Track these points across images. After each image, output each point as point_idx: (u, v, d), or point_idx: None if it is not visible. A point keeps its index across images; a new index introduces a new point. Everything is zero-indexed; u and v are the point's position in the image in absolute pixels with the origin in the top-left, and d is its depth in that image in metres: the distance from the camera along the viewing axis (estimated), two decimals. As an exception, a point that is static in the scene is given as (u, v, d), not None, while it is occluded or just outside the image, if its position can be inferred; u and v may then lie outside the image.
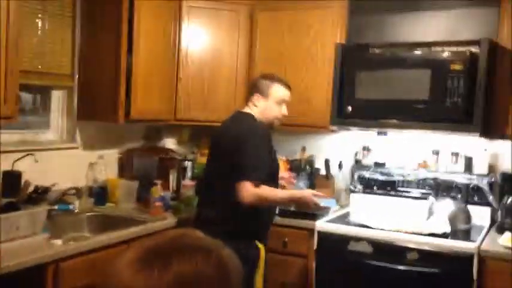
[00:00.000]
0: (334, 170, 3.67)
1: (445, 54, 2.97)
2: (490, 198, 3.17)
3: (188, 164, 3.71)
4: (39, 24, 2.97)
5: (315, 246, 3.07)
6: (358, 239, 2.95)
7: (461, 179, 3.25)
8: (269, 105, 2.69)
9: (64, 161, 3.12)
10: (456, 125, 2.94)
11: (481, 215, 3.17)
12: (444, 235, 2.86)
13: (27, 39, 2.86)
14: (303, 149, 3.77)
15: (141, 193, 3.31)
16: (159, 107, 3.39)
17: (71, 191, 3.00)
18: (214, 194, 2.63)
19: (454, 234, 2.91)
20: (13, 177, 2.70)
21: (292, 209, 3.16)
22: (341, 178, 3.65)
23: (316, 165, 3.72)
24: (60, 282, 2.29)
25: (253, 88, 2.76)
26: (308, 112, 3.44)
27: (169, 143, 3.96)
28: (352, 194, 3.57)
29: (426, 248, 2.80)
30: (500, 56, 2.94)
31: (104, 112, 3.13)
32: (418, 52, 3.10)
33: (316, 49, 3.44)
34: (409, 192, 3.39)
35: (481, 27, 3.09)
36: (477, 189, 3.20)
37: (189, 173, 3.70)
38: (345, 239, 2.98)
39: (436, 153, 3.38)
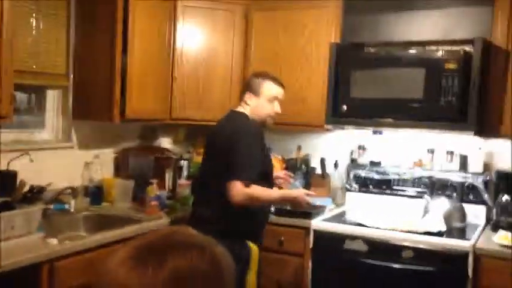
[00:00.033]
0: (329, 169, 3.68)
1: (439, 53, 2.97)
2: (485, 196, 3.18)
3: (184, 163, 3.71)
4: (34, 24, 2.96)
5: (310, 245, 3.07)
6: (353, 238, 2.96)
7: (457, 177, 3.26)
8: (261, 103, 2.69)
9: (59, 160, 3.12)
10: (451, 124, 2.95)
11: (476, 213, 3.18)
12: (439, 233, 2.87)
13: (22, 39, 2.86)
14: (299, 148, 3.78)
15: (136, 192, 3.31)
16: (154, 107, 3.39)
17: (66, 191, 2.99)
18: (209, 193, 2.63)
19: (449, 232, 2.92)
20: (8, 177, 2.69)
21: (288, 208, 3.16)
22: (337, 177, 3.65)
23: (312, 164, 3.73)
24: (56, 282, 2.29)
25: (245, 87, 2.77)
26: (303, 111, 3.44)
27: (165, 142, 3.96)
28: (347, 193, 3.58)
29: (421, 246, 2.81)
30: (494, 55, 2.95)
31: (99, 112, 3.13)
32: (412, 51, 3.11)
33: (311, 49, 3.45)
34: (405, 190, 3.40)
35: (475, 26, 3.10)
36: (472, 188, 3.21)
37: (184, 172, 3.71)
38: (341, 238, 2.99)
39: (431, 152, 3.39)
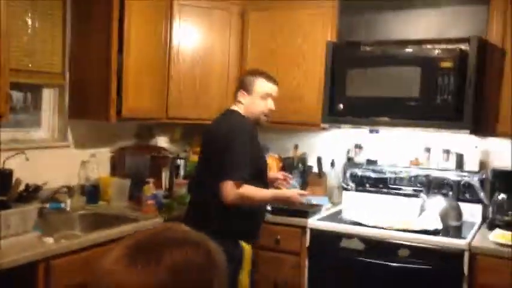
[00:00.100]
0: (326, 167, 3.68)
1: (435, 52, 2.98)
2: (481, 195, 3.18)
3: (180, 162, 3.72)
4: (30, 23, 2.96)
5: (307, 244, 3.08)
6: (350, 236, 2.96)
7: (453, 176, 3.27)
8: (254, 101, 2.69)
9: (56, 159, 3.12)
10: (447, 123, 2.96)
11: (472, 212, 3.19)
12: (435, 232, 2.88)
13: (18, 38, 2.85)
14: (296, 147, 3.78)
15: (133, 191, 3.31)
16: (151, 106, 3.38)
17: (62, 190, 2.99)
18: (205, 192, 2.63)
19: (445, 231, 2.93)
20: (4, 176, 2.69)
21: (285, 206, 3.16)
22: (333, 176, 3.66)
23: (309, 163, 3.73)
24: (52, 280, 2.29)
25: (238, 85, 2.78)
26: (300, 110, 3.45)
27: (162, 141, 3.96)
28: (344, 192, 3.59)
29: (418, 244, 2.81)
30: (490, 54, 2.96)
31: (95, 110, 3.13)
32: (408, 50, 3.12)
33: (307, 48, 3.45)
34: (401, 189, 3.41)
35: (471, 24, 3.10)
36: (468, 186, 3.22)
37: (181, 171, 3.71)
38: (337, 236, 2.99)
39: (428, 150, 3.40)
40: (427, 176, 3.33)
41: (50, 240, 2.42)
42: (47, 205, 2.85)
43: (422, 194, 3.26)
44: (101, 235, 2.60)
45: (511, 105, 2.91)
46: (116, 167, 3.53)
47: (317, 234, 3.06)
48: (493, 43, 2.95)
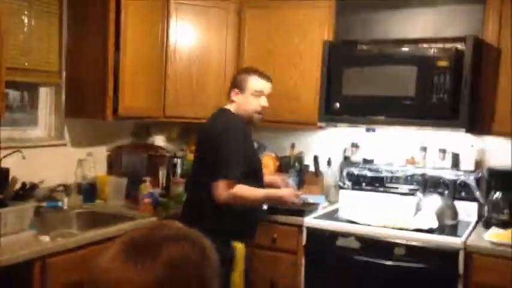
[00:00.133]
0: (323, 166, 3.69)
1: (431, 51, 2.98)
2: (477, 194, 3.19)
3: (177, 161, 3.72)
4: (26, 21, 2.96)
5: (303, 242, 3.08)
6: (346, 235, 2.97)
7: (449, 175, 3.28)
8: (247, 99, 2.68)
9: (52, 158, 3.12)
10: (442, 121, 2.97)
11: (467, 211, 3.20)
12: (431, 230, 2.88)
13: (14, 36, 2.85)
14: (292, 146, 3.78)
15: (130, 190, 3.31)
16: (147, 104, 3.38)
17: (59, 188, 3.00)
18: (200, 191, 2.62)
19: (441, 229, 2.93)
20: (0, 174, 2.68)
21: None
22: (330, 175, 3.66)
23: (305, 162, 3.74)
24: (48, 279, 2.29)
25: (231, 83, 2.77)
26: (297, 109, 3.45)
27: (159, 140, 3.97)
28: (340, 191, 3.59)
29: (413, 243, 2.82)
30: (485, 53, 2.97)
31: (92, 109, 3.13)
32: (404, 49, 3.12)
33: (304, 47, 3.45)
34: (397, 188, 3.41)
35: (467, 24, 3.12)
36: (464, 185, 3.23)
37: (178, 170, 3.71)
38: (334, 235, 3.00)
39: (424, 149, 3.41)
40: (423, 175, 3.34)
41: (46, 238, 2.43)
42: (44, 204, 2.85)
43: (418, 193, 3.27)
44: (98, 233, 2.60)
45: (506, 104, 2.92)
46: (113, 166, 3.53)
47: (313, 233, 3.07)
48: (489, 42, 2.96)
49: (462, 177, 3.24)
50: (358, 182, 3.53)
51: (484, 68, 2.98)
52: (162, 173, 3.56)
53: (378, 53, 3.18)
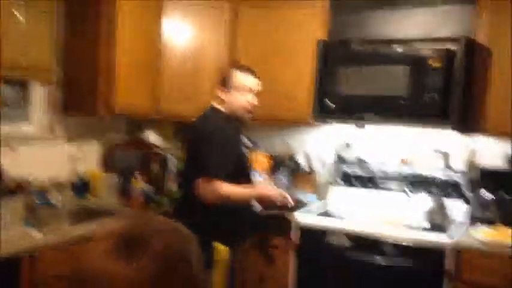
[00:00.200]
0: (315, 164, 3.70)
1: (424, 51, 3.00)
2: (468, 193, 3.21)
3: (172, 158, 3.72)
4: (21, 19, 2.96)
5: (294, 240, 3.09)
6: (337, 233, 2.99)
7: (440, 174, 3.30)
8: (233, 96, 2.61)
9: (45, 154, 3.13)
10: (434, 121, 2.98)
11: (458, 210, 3.21)
12: (422, 229, 2.90)
13: (9, 34, 2.85)
14: (285, 144, 3.79)
15: (123, 186, 3.32)
16: (142, 102, 3.39)
17: (52, 184, 3.00)
18: (189, 189, 2.58)
19: (431, 228, 2.95)
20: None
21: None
22: (322, 173, 3.68)
23: (298, 160, 3.75)
24: (38, 274, 2.31)
25: (218, 81, 2.71)
26: (291, 107, 3.46)
27: (153, 137, 3.96)
28: (333, 189, 3.61)
29: (404, 241, 2.84)
30: (477, 53, 2.99)
31: (86, 106, 3.15)
32: (397, 49, 3.13)
33: (299, 46, 3.45)
34: (389, 187, 3.43)
35: (459, 24, 3.13)
36: (455, 184, 3.25)
37: (172, 168, 3.72)
38: (325, 233, 3.02)
39: (416, 149, 3.42)
40: (414, 174, 3.36)
41: (37, 233, 2.43)
42: (36, 199, 2.86)
43: (409, 192, 3.29)
44: (88, 229, 2.61)
45: (497, 104, 2.93)
46: (106, 162, 3.54)
47: (305, 230, 3.08)
48: (481, 43, 2.98)
49: (453, 177, 3.26)
50: (350, 181, 3.55)
51: (475, 68, 3.00)
52: (155, 171, 3.57)
53: (372, 53, 3.19)
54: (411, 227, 2.90)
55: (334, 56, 3.27)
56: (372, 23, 3.42)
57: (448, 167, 3.31)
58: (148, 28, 3.37)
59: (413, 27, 3.29)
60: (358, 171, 3.52)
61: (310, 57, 3.36)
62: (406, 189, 3.32)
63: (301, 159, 3.74)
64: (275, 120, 3.51)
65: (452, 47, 2.94)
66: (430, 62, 2.94)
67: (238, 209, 2.61)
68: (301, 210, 3.23)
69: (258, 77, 2.68)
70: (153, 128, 3.93)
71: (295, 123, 3.56)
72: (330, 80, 3.25)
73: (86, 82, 3.13)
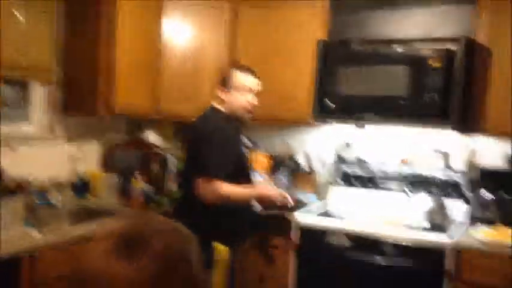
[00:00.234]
0: (315, 164, 3.70)
1: (424, 51, 3.00)
2: (468, 193, 3.21)
3: (172, 158, 3.72)
4: (21, 19, 2.96)
5: (294, 240, 3.09)
6: (337, 233, 2.99)
7: (440, 174, 3.30)
8: (233, 96, 2.60)
9: (45, 154, 3.13)
10: (434, 121, 2.99)
11: (458, 210, 3.21)
12: (422, 229, 2.90)
13: (9, 34, 2.85)
14: (285, 144, 3.80)
15: (123, 186, 3.32)
16: (142, 102, 3.39)
17: (52, 184, 3.00)
18: (189, 189, 2.59)
19: (431, 228, 2.95)
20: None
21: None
22: (322, 173, 3.68)
23: (298, 160, 3.75)
24: (38, 274, 2.30)
25: (217, 81, 2.71)
26: (291, 108, 3.46)
27: (153, 137, 3.97)
28: (333, 189, 3.61)
29: (404, 241, 2.84)
30: (477, 53, 2.99)
31: (86, 106, 3.15)
32: (397, 49, 3.13)
33: (299, 46, 3.45)
34: (389, 187, 3.43)
35: (459, 24, 3.13)
36: (455, 184, 3.25)
37: (173, 168, 3.72)
38: (325, 233, 3.02)
39: (416, 149, 3.42)
40: (414, 174, 3.36)
41: (37, 234, 2.43)
42: (36, 199, 2.86)
43: (409, 192, 3.29)
44: (88, 229, 2.61)
45: (497, 104, 2.93)
46: (106, 162, 3.54)
47: (305, 230, 3.08)
48: (481, 43, 2.98)
49: (453, 177, 3.26)
50: (350, 181, 3.55)
51: (475, 68, 3.00)
52: (156, 171, 3.57)
53: (372, 53, 3.19)
54: (411, 227, 2.90)
55: (334, 56, 3.27)
56: (372, 23, 3.43)
57: (448, 167, 3.31)
58: (148, 28, 3.37)
59: (413, 27, 3.29)
60: (358, 171, 3.52)
61: (310, 57, 3.36)
62: (406, 189, 3.32)
63: (301, 159, 3.75)
64: (275, 120, 3.52)
65: (452, 47, 2.94)
66: (430, 62, 2.95)
67: (238, 209, 2.61)
68: (301, 210, 3.23)
69: (258, 77, 2.68)
70: (153, 128, 3.93)
71: (295, 123, 3.56)
72: (330, 80, 3.25)
73: (86, 82, 3.13)
